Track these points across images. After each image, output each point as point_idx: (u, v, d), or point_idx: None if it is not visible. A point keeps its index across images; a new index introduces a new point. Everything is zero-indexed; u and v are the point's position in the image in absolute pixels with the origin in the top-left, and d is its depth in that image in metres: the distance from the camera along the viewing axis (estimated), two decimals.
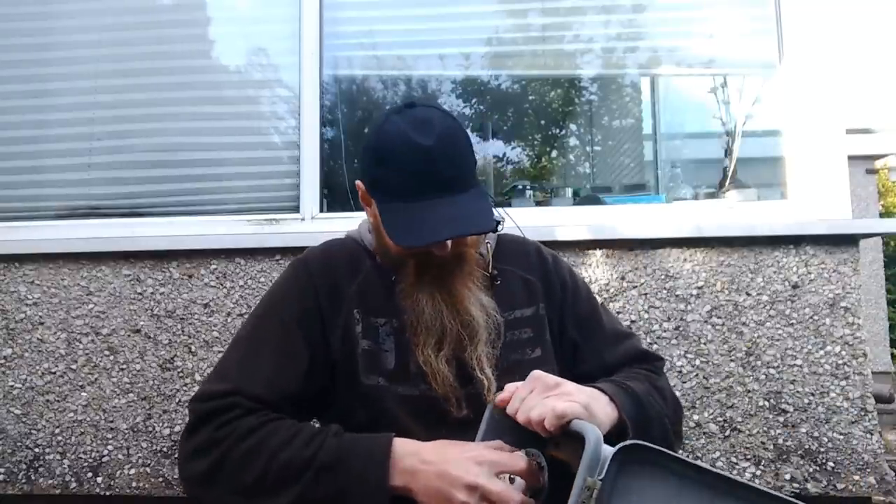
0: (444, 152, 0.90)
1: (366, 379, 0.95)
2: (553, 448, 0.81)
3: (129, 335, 1.99)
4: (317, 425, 0.97)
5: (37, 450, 1.96)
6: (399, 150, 0.90)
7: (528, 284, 1.08)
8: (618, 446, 0.69)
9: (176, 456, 1.91)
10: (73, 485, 1.93)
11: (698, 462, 0.71)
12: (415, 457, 0.82)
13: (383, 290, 1.00)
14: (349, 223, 2.04)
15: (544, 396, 0.80)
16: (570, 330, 1.07)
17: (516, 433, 0.82)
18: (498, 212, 1.09)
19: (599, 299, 1.21)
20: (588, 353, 1.07)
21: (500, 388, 0.89)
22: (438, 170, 0.89)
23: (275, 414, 0.90)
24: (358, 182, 1.02)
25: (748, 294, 1.89)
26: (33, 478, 1.95)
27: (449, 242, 0.92)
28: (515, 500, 0.76)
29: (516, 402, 0.81)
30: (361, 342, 0.97)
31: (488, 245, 1.07)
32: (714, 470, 0.70)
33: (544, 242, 1.88)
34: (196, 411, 0.90)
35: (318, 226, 2.10)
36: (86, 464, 1.94)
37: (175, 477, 1.91)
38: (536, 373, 0.84)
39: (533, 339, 1.03)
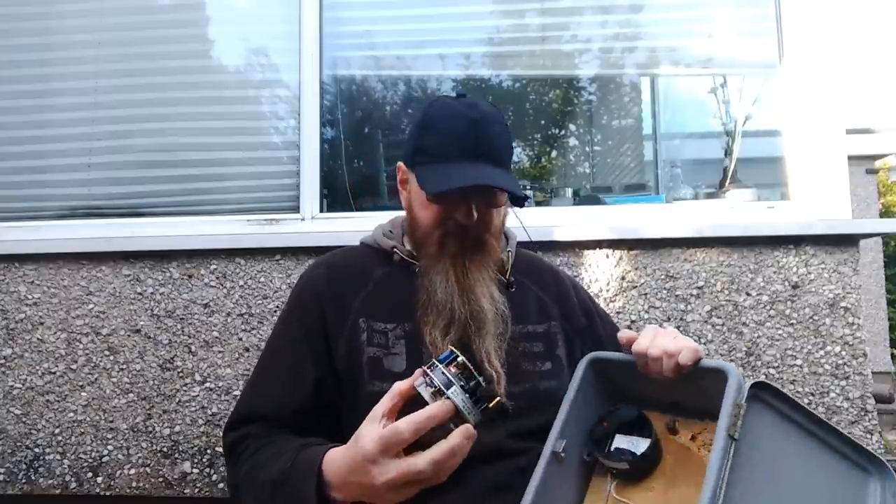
0: (490, 127, 0.97)
1: (371, 386, 0.95)
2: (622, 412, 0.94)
3: (129, 335, 1.99)
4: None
5: (37, 450, 1.96)
6: (447, 118, 0.98)
7: (541, 302, 1.11)
8: (751, 381, 0.83)
9: (175, 456, 1.92)
10: (73, 485, 1.93)
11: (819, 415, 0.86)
12: (333, 467, 0.79)
13: (396, 294, 1.01)
14: (349, 223, 2.07)
15: (673, 338, 0.89)
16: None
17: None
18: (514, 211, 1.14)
19: (599, 300, 1.22)
20: None
21: (509, 384, 0.93)
22: (481, 138, 0.96)
23: (281, 432, 0.95)
24: (399, 164, 1.08)
25: (748, 294, 1.89)
26: (33, 478, 1.95)
27: (475, 212, 0.96)
28: (420, 465, 0.72)
29: (645, 341, 0.89)
30: (367, 350, 0.98)
31: (509, 252, 1.12)
32: (828, 423, 0.88)
33: (544, 242, 1.90)
34: (224, 443, 1.01)
35: (317, 226, 2.10)
36: (86, 464, 1.94)
37: (175, 477, 1.91)
38: (654, 326, 0.93)
39: (543, 353, 1.06)
